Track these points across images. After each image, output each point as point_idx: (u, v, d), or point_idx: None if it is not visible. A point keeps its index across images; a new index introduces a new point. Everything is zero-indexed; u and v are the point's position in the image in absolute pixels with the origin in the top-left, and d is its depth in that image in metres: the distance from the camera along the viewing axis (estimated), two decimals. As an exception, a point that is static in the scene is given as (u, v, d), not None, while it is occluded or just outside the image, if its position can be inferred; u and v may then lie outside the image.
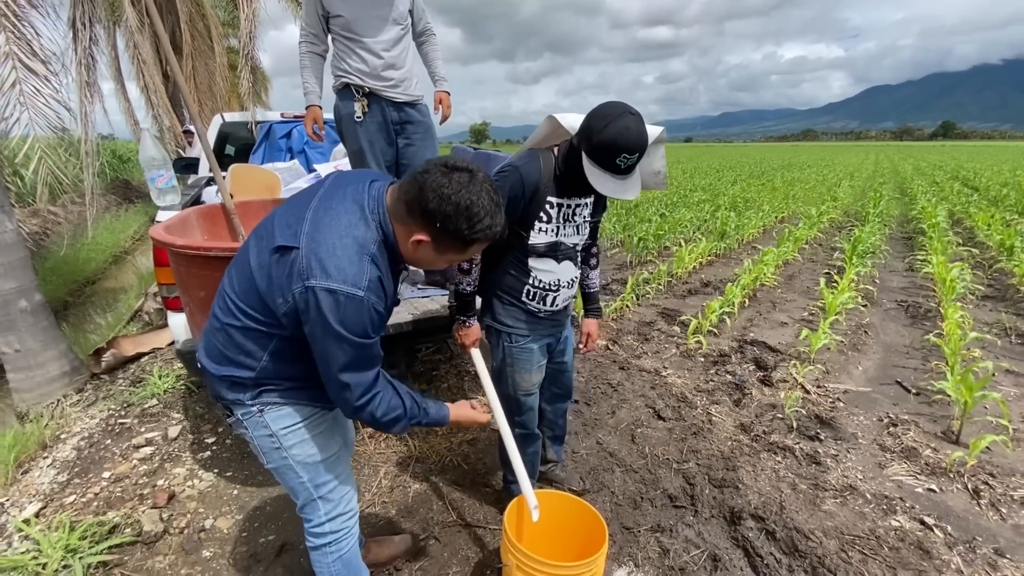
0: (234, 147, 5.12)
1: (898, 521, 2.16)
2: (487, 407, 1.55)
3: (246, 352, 1.20)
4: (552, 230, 1.67)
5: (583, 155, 1.46)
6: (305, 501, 1.38)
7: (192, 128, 6.40)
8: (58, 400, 3.24)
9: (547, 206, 1.63)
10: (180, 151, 9.29)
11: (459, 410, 1.43)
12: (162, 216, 2.42)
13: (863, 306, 4.89)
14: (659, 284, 5.58)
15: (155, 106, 9.18)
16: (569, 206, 1.67)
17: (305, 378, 1.25)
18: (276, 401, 1.26)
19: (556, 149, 1.66)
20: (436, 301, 2.70)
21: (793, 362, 3.66)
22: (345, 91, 2.49)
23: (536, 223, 1.64)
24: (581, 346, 2.05)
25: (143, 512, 2.17)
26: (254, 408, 1.25)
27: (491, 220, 1.10)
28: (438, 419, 1.36)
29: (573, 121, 1.59)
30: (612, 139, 1.40)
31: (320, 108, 2.56)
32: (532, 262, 1.70)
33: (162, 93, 8.91)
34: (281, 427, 1.27)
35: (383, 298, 1.12)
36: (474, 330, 1.82)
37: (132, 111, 9.42)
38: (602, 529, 1.56)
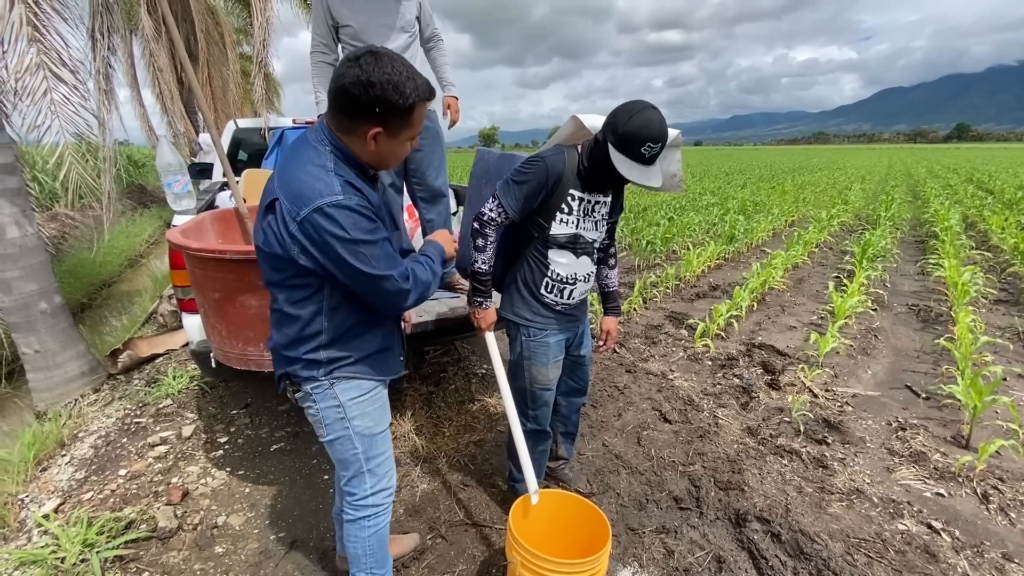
0: (247, 152, 5.21)
1: (905, 525, 2.15)
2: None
3: (308, 323, 1.29)
4: (573, 222, 1.74)
5: (610, 147, 1.54)
6: (355, 473, 1.48)
7: (203, 145, 6.51)
8: (76, 399, 3.32)
9: (569, 198, 1.71)
10: (194, 158, 9.45)
11: (443, 240, 1.51)
12: (178, 220, 2.48)
13: (873, 310, 4.87)
14: (667, 287, 5.58)
15: (170, 112, 9.37)
16: (589, 201, 1.75)
17: (370, 335, 1.37)
18: (345, 375, 1.37)
19: (580, 146, 1.73)
20: (445, 304, 2.74)
21: (801, 366, 3.65)
22: (354, 97, 2.54)
23: (558, 214, 1.71)
24: (600, 343, 2.10)
25: (158, 509, 2.22)
26: (326, 381, 1.35)
27: (414, 82, 1.15)
28: (442, 254, 1.46)
29: (595, 121, 1.68)
30: (637, 129, 1.49)
31: None
32: (552, 254, 1.77)
33: (177, 100, 9.08)
34: (348, 398, 1.38)
35: (363, 198, 1.18)
36: (490, 312, 1.87)
37: (147, 117, 9.62)
38: (605, 528, 1.58)
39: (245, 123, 4.63)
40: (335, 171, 1.17)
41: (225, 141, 4.46)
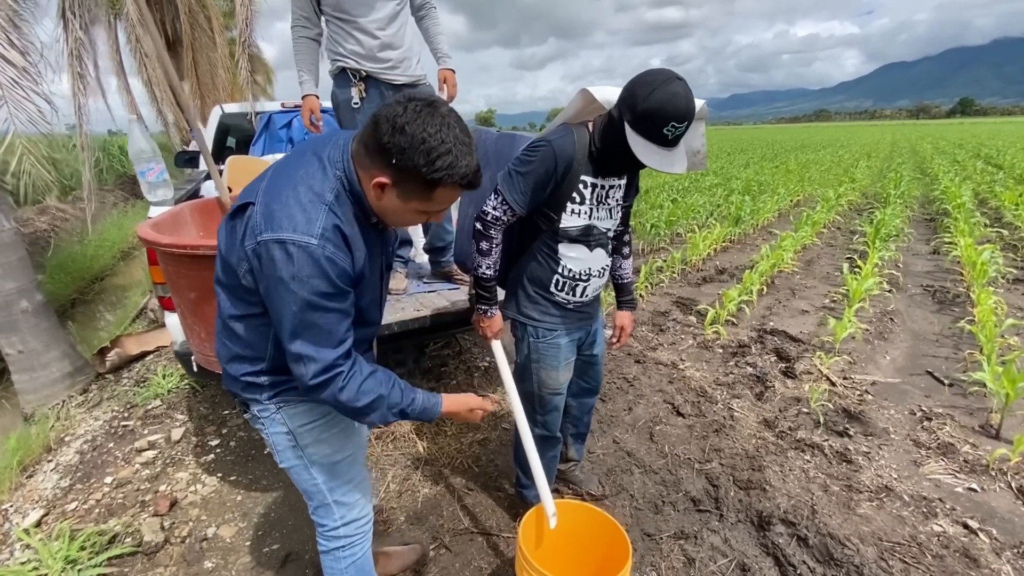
0: (235, 138, 5.01)
1: (940, 525, 2.02)
2: (498, 400, 1.42)
3: (250, 345, 1.13)
4: (585, 212, 1.54)
5: (626, 126, 1.33)
6: (319, 504, 1.32)
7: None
8: (63, 401, 3.19)
9: (580, 186, 1.50)
10: (186, 146, 9.23)
11: (454, 403, 1.24)
12: (155, 212, 2.31)
13: (888, 292, 4.70)
14: (673, 272, 5.42)
15: (159, 100, 9.13)
16: (603, 187, 1.54)
17: None
18: (293, 398, 1.19)
19: (591, 125, 1.52)
20: (444, 296, 2.59)
21: (817, 352, 3.50)
22: (341, 76, 2.35)
23: (568, 204, 1.52)
24: (614, 340, 1.92)
25: (144, 520, 2.09)
26: (271, 405, 1.19)
27: (454, 158, 0.94)
28: (426, 409, 1.18)
29: (609, 95, 1.45)
30: (659, 106, 1.27)
31: (317, 97, 2.42)
32: (562, 249, 1.58)
33: (165, 87, 8.82)
34: (298, 424, 1.21)
35: (344, 249, 1.00)
36: (496, 320, 1.69)
37: (135, 105, 9.36)
38: (624, 544, 1.44)
39: (232, 108, 4.42)
40: (330, 206, 0.99)
41: (211, 128, 4.27)
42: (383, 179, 0.97)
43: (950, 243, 5.78)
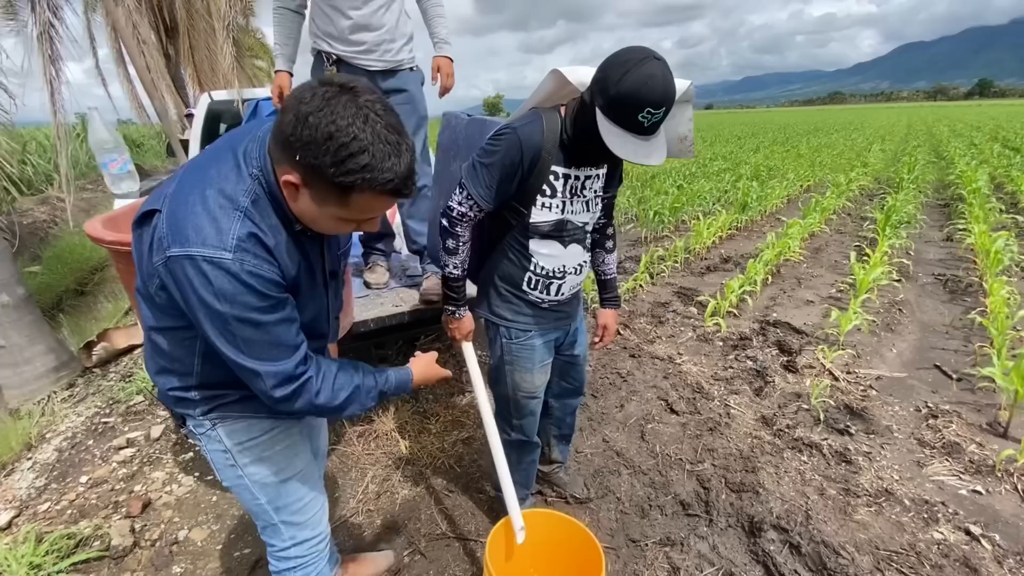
0: (227, 125, 4.92)
1: (941, 533, 1.91)
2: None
3: (175, 359, 1.03)
4: (557, 206, 1.41)
5: (597, 112, 1.20)
6: (265, 524, 1.23)
7: (194, 112, 6.24)
8: (49, 396, 3.15)
9: (551, 177, 1.37)
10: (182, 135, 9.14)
11: (422, 365, 1.27)
12: (119, 205, 2.23)
13: (897, 281, 4.53)
14: (675, 261, 5.28)
15: (158, 89, 9.03)
16: (577, 177, 1.41)
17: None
18: (231, 414, 1.09)
19: (563, 109, 1.39)
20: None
21: (820, 346, 3.37)
22: (317, 59, 2.22)
23: (538, 198, 1.39)
24: (596, 339, 1.82)
25: (114, 523, 2.04)
26: (206, 421, 1.09)
27: (371, 160, 0.78)
28: (402, 383, 1.18)
29: (583, 76, 1.32)
30: (633, 90, 1.13)
31: (290, 75, 2.26)
32: (533, 245, 1.46)
33: (164, 74, 8.72)
34: (236, 442, 1.11)
35: (267, 258, 0.88)
36: (465, 322, 1.59)
37: (136, 94, 9.28)
38: (597, 554, 1.36)
39: (220, 95, 4.33)
40: (245, 212, 0.86)
41: (200, 115, 4.18)
42: (291, 177, 0.83)
43: (964, 230, 5.59)
